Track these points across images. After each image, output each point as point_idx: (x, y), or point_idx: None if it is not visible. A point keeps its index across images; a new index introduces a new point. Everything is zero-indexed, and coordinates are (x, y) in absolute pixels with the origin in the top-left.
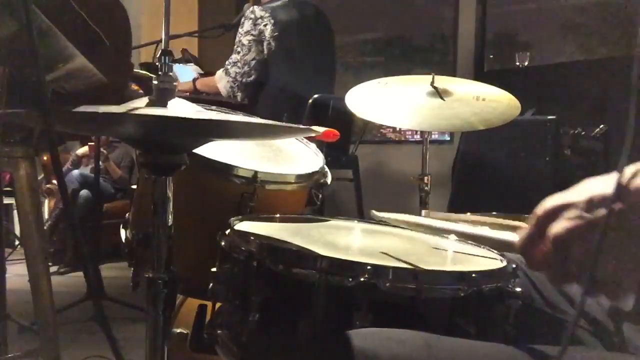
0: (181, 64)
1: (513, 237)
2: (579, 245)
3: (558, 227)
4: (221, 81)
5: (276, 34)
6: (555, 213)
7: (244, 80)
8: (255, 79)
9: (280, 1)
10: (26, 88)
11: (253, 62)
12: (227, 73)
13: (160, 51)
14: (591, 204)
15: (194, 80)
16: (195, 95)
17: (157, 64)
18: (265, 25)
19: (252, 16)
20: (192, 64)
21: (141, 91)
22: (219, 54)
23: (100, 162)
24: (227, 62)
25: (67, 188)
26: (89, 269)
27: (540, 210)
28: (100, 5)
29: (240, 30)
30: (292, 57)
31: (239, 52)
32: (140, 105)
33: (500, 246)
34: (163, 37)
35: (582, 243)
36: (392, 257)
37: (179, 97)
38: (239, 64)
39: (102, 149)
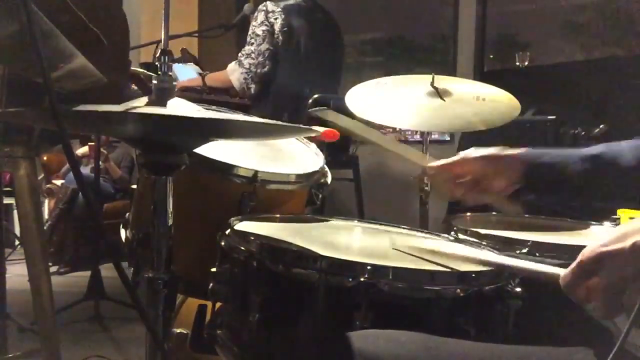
0: (180, 64)
1: (558, 271)
2: (626, 289)
3: (606, 278)
4: (234, 73)
5: (285, 29)
6: (601, 261)
7: (258, 70)
8: (270, 70)
9: (293, 0)
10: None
11: (267, 52)
12: (240, 64)
13: (159, 51)
14: (635, 251)
15: (203, 75)
16: (198, 96)
17: (156, 63)
18: (275, 19)
19: (265, 9)
20: (192, 63)
21: (139, 91)
22: (219, 54)
23: (100, 162)
24: (240, 54)
25: (83, 179)
26: (119, 267)
27: (585, 256)
28: (97, 2)
29: (253, 22)
30: (297, 57)
31: (252, 43)
32: (139, 105)
33: (543, 278)
34: (163, 37)
35: (630, 287)
36: (406, 253)
37: (186, 94)
38: (253, 55)
39: (102, 149)
